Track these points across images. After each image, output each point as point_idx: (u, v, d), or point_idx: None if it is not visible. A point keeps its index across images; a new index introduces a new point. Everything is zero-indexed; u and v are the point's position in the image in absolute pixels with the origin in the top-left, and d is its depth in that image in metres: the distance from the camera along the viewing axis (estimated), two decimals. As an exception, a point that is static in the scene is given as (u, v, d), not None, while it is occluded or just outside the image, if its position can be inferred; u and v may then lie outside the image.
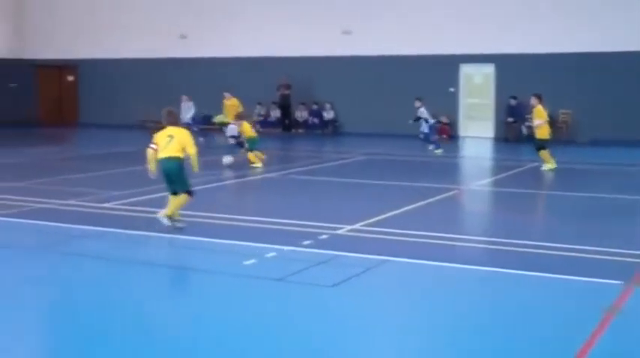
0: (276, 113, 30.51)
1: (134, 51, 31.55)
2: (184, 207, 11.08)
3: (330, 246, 9.97)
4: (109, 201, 13.43)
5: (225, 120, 23.79)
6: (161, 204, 12.07)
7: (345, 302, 7.86)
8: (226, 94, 25.14)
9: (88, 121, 32.81)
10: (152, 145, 10.94)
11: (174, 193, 10.92)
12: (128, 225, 11.40)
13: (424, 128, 22.68)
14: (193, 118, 25.82)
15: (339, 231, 10.93)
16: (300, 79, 29.40)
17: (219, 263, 9.46)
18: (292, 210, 12.73)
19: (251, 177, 16.97)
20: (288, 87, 29.76)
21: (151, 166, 10.97)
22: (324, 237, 10.54)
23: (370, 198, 14.37)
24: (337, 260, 9.37)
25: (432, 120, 22.74)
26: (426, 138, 22.81)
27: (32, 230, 11.27)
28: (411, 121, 22.98)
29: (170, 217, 10.84)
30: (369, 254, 9.55)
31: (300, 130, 30.01)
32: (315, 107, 29.93)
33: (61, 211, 12.61)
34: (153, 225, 11.09)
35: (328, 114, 29.64)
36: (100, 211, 12.63)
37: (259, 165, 18.68)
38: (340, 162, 20.40)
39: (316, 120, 29.88)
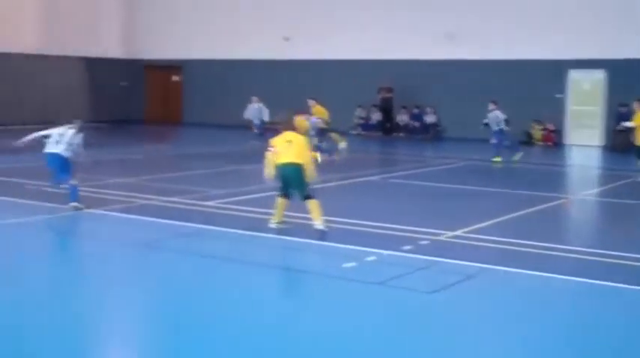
0: (377, 116, 30.40)
1: (238, 52, 32.01)
2: (288, 209, 11.07)
3: (431, 252, 9.82)
4: (212, 200, 13.58)
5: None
6: (262, 203, 12.16)
7: (443, 310, 7.71)
8: (311, 101, 24.50)
9: (191, 121, 33.50)
10: (271, 148, 10.92)
11: (286, 196, 10.89)
12: (231, 223, 11.48)
13: (495, 132, 21.26)
14: (262, 120, 25.41)
15: (440, 238, 10.75)
16: (402, 82, 29.19)
17: (319, 264, 9.47)
18: (392, 215, 12.59)
19: (351, 180, 16.93)
20: (390, 90, 29.61)
21: (269, 170, 10.97)
22: (424, 242, 10.38)
23: (473, 205, 14.09)
24: (437, 266, 9.21)
25: (503, 125, 21.19)
26: (498, 145, 21.11)
27: (138, 225, 11.48)
28: (482, 126, 21.82)
29: (278, 222, 10.98)
30: (469, 261, 9.35)
31: (401, 134, 29.78)
32: (416, 111, 29.66)
33: (166, 208, 12.80)
34: (254, 224, 11.19)
35: (430, 118, 29.33)
36: (203, 209, 12.76)
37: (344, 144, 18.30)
38: (441, 167, 20.13)
39: (417, 124, 29.60)
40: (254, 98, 25.61)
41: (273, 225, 10.98)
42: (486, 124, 21.54)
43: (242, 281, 8.65)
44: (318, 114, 22.08)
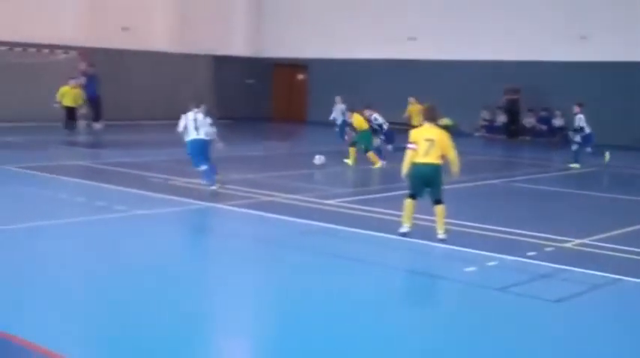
0: (502, 118, 29.72)
1: (362, 51, 32.00)
2: (415, 210, 10.82)
3: (556, 259, 9.46)
4: (333, 198, 13.57)
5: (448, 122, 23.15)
6: (383, 203, 12.04)
7: (568, 320, 7.41)
8: (411, 99, 24.42)
9: (315, 119, 33.73)
10: (412, 145, 10.19)
11: (414, 198, 10.34)
12: (352, 222, 11.44)
13: (576, 138, 20.18)
14: (344, 121, 24.81)
15: (566, 245, 10.35)
16: (530, 83, 28.39)
17: (440, 268, 9.32)
18: (516, 219, 12.25)
19: (474, 183, 16.59)
20: (517, 91, 28.86)
21: (406, 168, 10.29)
22: (549, 249, 10.03)
23: (602, 212, 13.53)
24: (562, 274, 8.86)
25: (587, 130, 19.94)
26: (578, 151, 19.99)
27: (261, 222, 11.59)
28: (570, 132, 20.79)
29: (410, 226, 10.43)
30: (597, 271, 8.95)
31: (527, 137, 28.99)
32: (543, 113, 28.80)
33: (288, 205, 12.86)
34: (375, 223, 11.14)
35: (557, 122, 28.41)
36: (324, 207, 12.76)
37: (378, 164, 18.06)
38: (568, 172, 19.43)
39: (544, 127, 28.74)
40: (338, 98, 25.35)
41: (405, 229, 10.42)
42: (579, 129, 20.22)
43: (363, 281, 8.58)
44: (414, 111, 22.69)
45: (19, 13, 27.44)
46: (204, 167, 13.65)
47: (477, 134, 29.17)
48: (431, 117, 10.44)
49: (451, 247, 10.01)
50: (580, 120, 20.09)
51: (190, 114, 13.72)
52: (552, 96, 28.24)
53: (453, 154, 10.41)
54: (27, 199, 12.83)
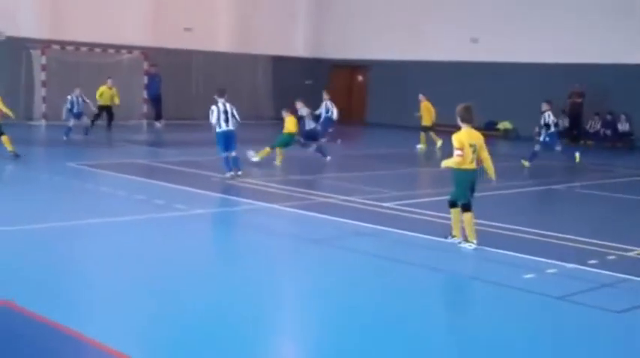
0: (564, 122, 29.11)
1: (423, 53, 31.72)
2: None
3: (619, 268, 9.17)
4: (389, 201, 13.41)
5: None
6: (439, 207, 11.85)
7: (632, 332, 7.15)
8: (421, 97, 24.44)
9: (374, 121, 33.59)
10: (458, 152, 9.72)
11: (455, 206, 10.08)
12: (407, 226, 11.31)
13: (543, 136, 20.14)
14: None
15: (630, 253, 10.02)
16: (595, 87, 27.74)
17: (498, 274, 9.07)
18: (577, 226, 11.90)
19: (534, 188, 16.28)
20: (581, 95, 28.25)
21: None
22: (611, 257, 9.72)
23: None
24: (625, 284, 8.59)
25: (553, 128, 20.13)
26: (547, 147, 20.12)
27: (315, 222, 11.53)
28: (537, 129, 20.82)
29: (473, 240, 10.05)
30: (663, 282, 8.66)
31: (589, 142, 28.32)
32: (609, 118, 28.10)
33: (343, 207, 12.76)
34: (430, 227, 11.00)
35: (623, 127, 27.72)
36: (380, 210, 12.63)
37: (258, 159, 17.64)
38: (633, 178, 18.90)
39: (608, 132, 28.05)
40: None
41: (472, 246, 9.97)
42: (545, 127, 20.25)
43: (418, 286, 8.46)
44: (425, 110, 23.53)
45: (86, 14, 27.92)
46: (233, 154, 14.81)
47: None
48: (469, 118, 9.99)
49: (510, 253, 9.79)
50: (548, 117, 20.15)
51: (221, 106, 14.86)
52: (616, 100, 27.56)
53: (488, 158, 10.19)
54: (87, 196, 12.96)
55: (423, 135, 23.76)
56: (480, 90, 28.71)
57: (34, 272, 8.06)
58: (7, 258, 8.65)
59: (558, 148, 20.23)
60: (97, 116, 24.36)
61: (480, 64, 30.15)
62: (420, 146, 23.59)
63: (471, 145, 9.84)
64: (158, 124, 27.63)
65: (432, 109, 23.83)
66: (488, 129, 28.62)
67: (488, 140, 24.39)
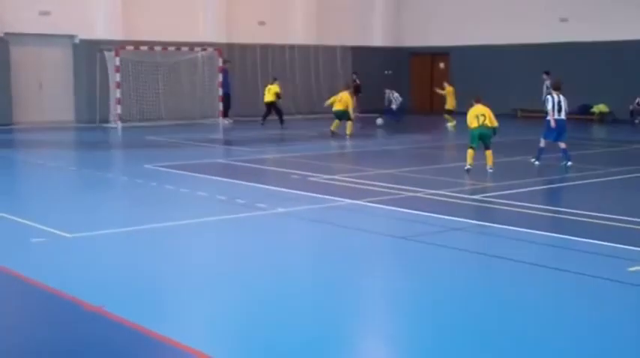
0: (662, 103, 27.47)
1: (508, 36, 30.35)
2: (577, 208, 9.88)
3: None
4: (480, 193, 12.81)
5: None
6: (532, 198, 11.16)
7: None
8: (445, 84, 27.04)
9: (458, 109, 32.39)
10: None
11: None
12: (500, 219, 10.76)
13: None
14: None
15: None
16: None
17: (601, 266, 8.34)
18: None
19: (634, 175, 15.09)
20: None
21: None
22: None
23: None
24: None
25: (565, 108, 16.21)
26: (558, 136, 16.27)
27: (402, 218, 10.93)
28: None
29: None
30: None
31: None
32: None
33: (431, 201, 12.22)
34: (523, 219, 10.36)
35: None
36: (469, 203, 12.09)
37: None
38: None
39: None
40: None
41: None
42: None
43: (516, 281, 7.90)
44: (449, 95, 26.38)
45: (158, 13, 27.75)
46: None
47: (637, 121, 27.07)
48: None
49: (612, 244, 9.08)
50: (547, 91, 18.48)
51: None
52: None
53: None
54: (167, 198, 12.62)
55: (448, 116, 26.04)
56: (572, 72, 27.27)
57: (120, 277, 7.92)
58: (94, 263, 8.49)
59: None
60: (278, 113, 26.07)
61: (570, 45, 28.56)
62: (449, 124, 25.65)
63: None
64: (226, 122, 27.24)
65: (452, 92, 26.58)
66: (582, 113, 27.26)
67: (583, 125, 23.31)
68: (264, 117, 26.10)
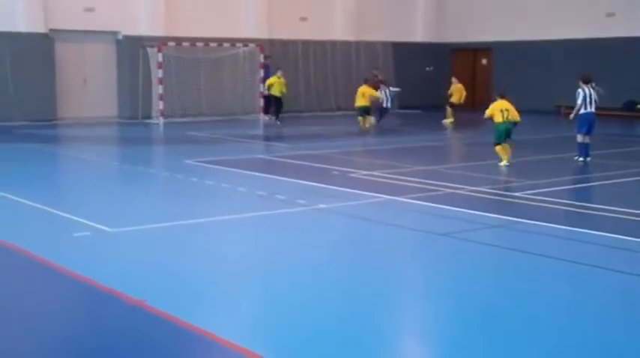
0: None
1: (552, 31, 29.86)
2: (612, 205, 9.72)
3: None
4: (520, 191, 12.66)
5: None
6: (571, 195, 10.99)
7: None
8: (453, 79, 26.61)
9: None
10: None
11: None
12: (540, 216, 10.53)
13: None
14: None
15: None
16: None
17: (624, 262, 8.26)
18: None
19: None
20: None
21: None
22: None
23: None
24: None
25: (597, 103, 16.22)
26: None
27: (441, 215, 10.86)
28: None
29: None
30: None
31: None
32: None
33: (470, 197, 12.12)
34: (561, 215, 10.41)
35: None
36: (510, 200, 12.01)
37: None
38: None
39: None
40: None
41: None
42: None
43: (546, 276, 7.86)
44: (456, 91, 26.01)
45: (200, 9, 27.88)
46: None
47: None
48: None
49: (635, 239, 9.01)
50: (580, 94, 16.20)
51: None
52: None
53: None
54: (207, 193, 12.67)
55: (450, 110, 25.83)
56: (618, 68, 26.83)
57: (162, 272, 7.95)
58: (135, 257, 8.57)
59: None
60: (277, 108, 25.94)
61: (617, 40, 28.02)
62: (447, 121, 25.62)
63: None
64: (267, 118, 27.27)
65: (463, 91, 26.30)
66: (627, 109, 26.77)
67: (628, 122, 22.91)
68: (277, 113, 26.10)
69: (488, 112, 15.49)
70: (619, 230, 9.61)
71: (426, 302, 7.21)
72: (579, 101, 15.91)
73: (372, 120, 23.92)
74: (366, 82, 24.58)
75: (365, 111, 23.61)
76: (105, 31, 26.48)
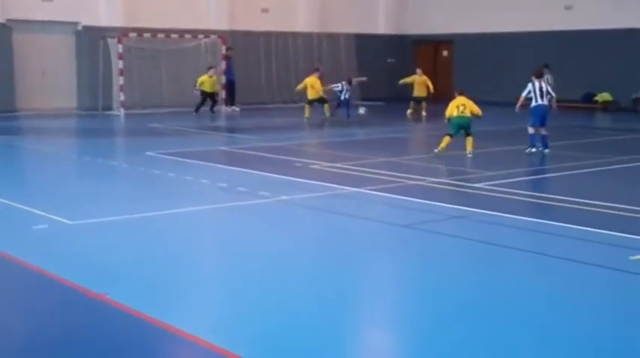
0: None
1: (512, 24, 30.12)
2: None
3: None
4: (482, 181, 12.74)
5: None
6: (533, 186, 11.13)
7: None
8: (418, 71, 26.23)
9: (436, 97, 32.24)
10: None
11: None
12: (500, 207, 10.65)
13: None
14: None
15: None
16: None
17: (601, 255, 8.32)
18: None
19: (635, 164, 15.05)
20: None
21: None
22: None
23: None
24: None
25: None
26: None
27: (405, 206, 10.92)
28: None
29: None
30: None
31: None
32: None
33: (432, 189, 12.22)
34: (524, 208, 10.41)
35: None
36: (472, 191, 12.03)
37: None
38: None
39: None
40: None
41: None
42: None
43: (516, 269, 7.91)
44: (421, 83, 25.71)
45: (161, 0, 27.64)
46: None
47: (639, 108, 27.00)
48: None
49: (613, 233, 9.09)
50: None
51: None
52: None
53: None
54: (169, 186, 12.59)
55: (413, 104, 25.56)
56: (576, 60, 27.21)
57: (123, 265, 7.88)
58: (96, 250, 8.47)
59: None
60: (201, 103, 25.39)
61: (576, 32, 28.40)
62: (410, 111, 25.45)
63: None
64: (231, 110, 27.19)
65: (429, 83, 26.06)
66: (585, 101, 27.16)
67: (586, 114, 23.24)
68: (210, 106, 25.70)
69: (447, 113, 16.05)
70: (575, 220, 9.74)
71: (389, 294, 7.26)
72: (524, 94, 16.31)
73: (327, 112, 23.72)
74: (315, 71, 24.40)
75: (313, 102, 23.60)
76: (64, 21, 26.11)
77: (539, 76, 16.42)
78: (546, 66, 22.16)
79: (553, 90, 16.82)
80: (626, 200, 10.98)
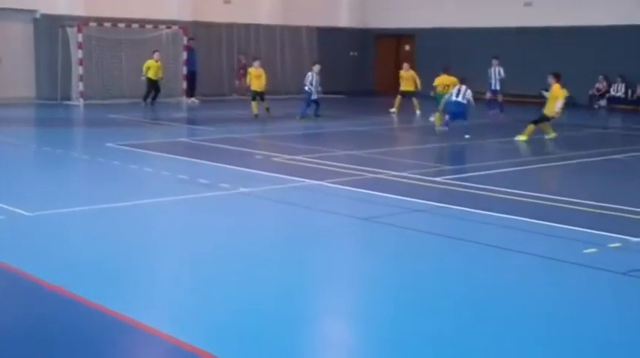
0: (620, 87, 27.85)
1: (473, 20, 30.46)
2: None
3: None
4: (442, 176, 12.88)
5: None
6: (495, 180, 11.23)
7: None
8: (405, 65, 25.80)
9: (424, 92, 32.48)
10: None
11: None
12: (461, 201, 10.79)
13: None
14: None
15: None
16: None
17: (556, 249, 8.43)
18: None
19: (594, 159, 15.34)
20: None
21: None
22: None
23: None
24: None
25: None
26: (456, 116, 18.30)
27: (364, 199, 11.01)
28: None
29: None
30: None
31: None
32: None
33: (392, 182, 12.29)
34: (481, 202, 10.46)
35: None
36: (432, 185, 12.12)
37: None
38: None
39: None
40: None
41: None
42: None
43: (475, 263, 7.95)
44: (409, 77, 25.13)
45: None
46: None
47: (596, 106, 27.47)
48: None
49: (571, 227, 9.24)
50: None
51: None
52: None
53: None
54: (128, 177, 12.53)
55: (398, 99, 24.79)
56: (534, 56, 27.56)
57: (82, 257, 7.82)
58: (54, 242, 8.41)
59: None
60: (148, 92, 24.90)
61: (534, 29, 28.76)
62: (394, 109, 24.68)
63: None
64: (190, 101, 27.09)
65: (416, 78, 25.26)
66: (542, 97, 27.45)
67: (543, 109, 23.54)
68: (152, 96, 25.11)
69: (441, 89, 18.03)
70: (537, 215, 9.85)
71: (343, 286, 7.31)
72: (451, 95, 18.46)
73: (264, 105, 22.48)
74: (255, 60, 23.45)
75: (257, 95, 22.48)
76: (22, 9, 25.74)
77: (462, 82, 18.62)
78: (496, 57, 23.67)
79: (501, 83, 18.11)
80: (577, 194, 11.18)
